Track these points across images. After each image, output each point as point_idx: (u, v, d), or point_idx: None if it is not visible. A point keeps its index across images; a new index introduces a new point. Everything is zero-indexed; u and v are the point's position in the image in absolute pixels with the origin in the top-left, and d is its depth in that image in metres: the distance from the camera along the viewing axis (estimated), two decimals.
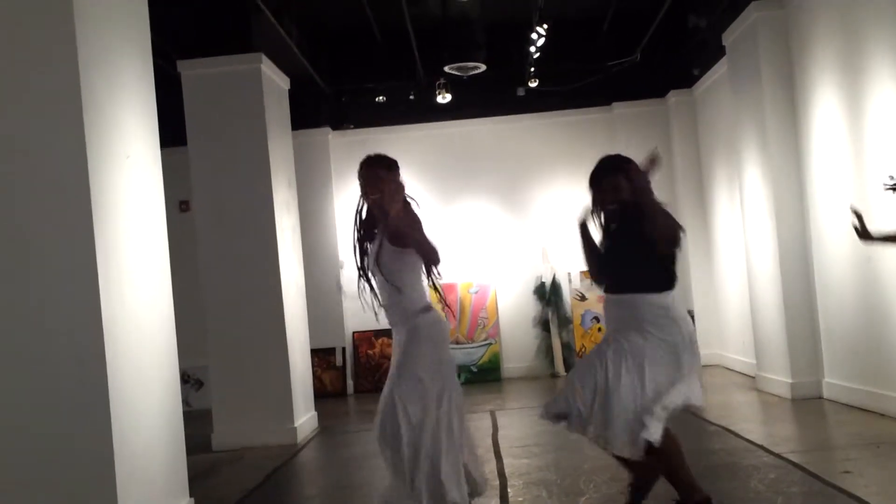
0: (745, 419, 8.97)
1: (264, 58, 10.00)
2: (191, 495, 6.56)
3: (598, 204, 5.22)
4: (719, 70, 12.01)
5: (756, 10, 9.92)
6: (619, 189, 5.10)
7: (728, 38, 10.86)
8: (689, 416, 9.02)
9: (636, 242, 5.06)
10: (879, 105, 7.86)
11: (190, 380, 12.48)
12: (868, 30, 7.97)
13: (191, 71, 9.88)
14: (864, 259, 8.07)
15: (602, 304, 5.23)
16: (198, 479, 7.32)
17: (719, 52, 11.43)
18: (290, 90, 11.08)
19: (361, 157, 14.19)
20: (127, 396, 5.47)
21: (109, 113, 5.68)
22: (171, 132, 7.81)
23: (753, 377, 11.07)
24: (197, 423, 9.31)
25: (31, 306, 5.18)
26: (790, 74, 9.79)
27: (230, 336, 9.66)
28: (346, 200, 14.12)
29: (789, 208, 9.71)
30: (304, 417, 10.16)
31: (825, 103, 9.02)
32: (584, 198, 5.44)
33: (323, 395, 12.87)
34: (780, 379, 9.94)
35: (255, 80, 9.91)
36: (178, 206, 11.75)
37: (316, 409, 10.84)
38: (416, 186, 14.24)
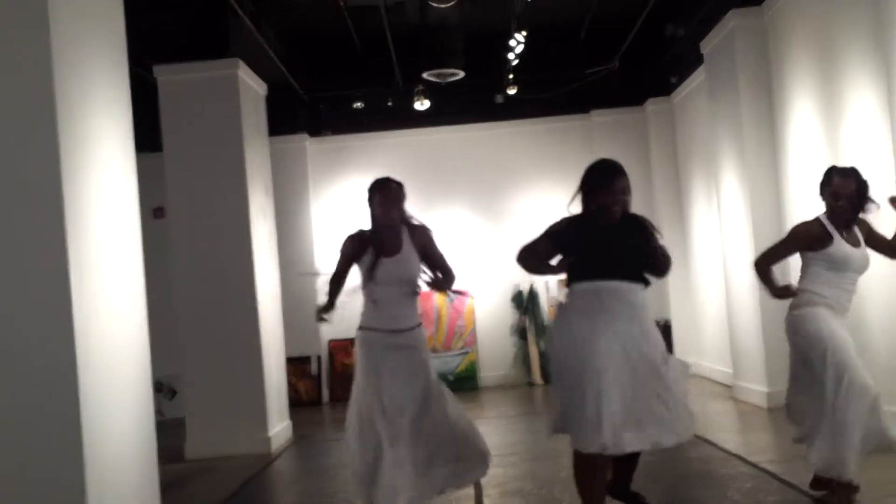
0: (722, 428, 8.96)
1: (241, 64, 9.93)
2: None
3: (607, 204, 5.14)
4: (697, 78, 12.04)
5: (734, 19, 9.94)
6: (626, 191, 5.19)
7: (706, 47, 10.88)
8: None
9: (640, 243, 5.18)
10: (856, 114, 7.87)
11: (163, 388, 12.38)
12: (845, 39, 7.99)
13: (167, 76, 9.80)
14: None
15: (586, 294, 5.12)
16: (170, 488, 7.23)
17: (697, 60, 11.46)
18: (267, 96, 11.01)
19: (339, 163, 14.14)
20: (98, 405, 5.39)
21: (84, 118, 5.61)
22: (147, 138, 7.75)
23: (730, 386, 11.08)
24: (170, 433, 9.21)
25: (2, 313, 5.10)
26: (767, 83, 9.82)
27: (204, 344, 9.57)
28: (323, 207, 14.08)
29: (766, 216, 9.72)
30: (279, 427, 10.08)
31: (802, 112, 9.04)
32: (570, 197, 5.36)
33: (298, 403, 12.79)
34: (756, 388, 9.94)
35: (232, 86, 9.85)
36: (153, 212, 11.65)
37: (291, 418, 10.77)
38: None
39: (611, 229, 5.15)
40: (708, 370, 12.81)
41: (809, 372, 5.58)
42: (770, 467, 6.75)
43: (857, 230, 5.72)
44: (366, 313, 5.73)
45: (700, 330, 13.22)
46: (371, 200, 5.72)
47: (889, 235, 5.87)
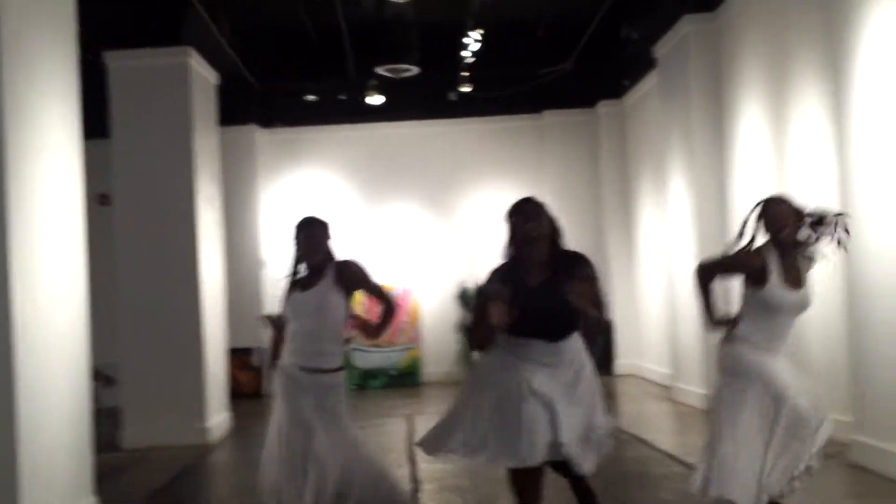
0: (659, 429, 9.07)
1: (193, 52, 9.86)
2: (96, 494, 6.43)
3: (521, 245, 4.83)
4: (649, 82, 12.14)
5: (687, 25, 10.05)
6: (540, 226, 4.79)
7: (659, 51, 10.99)
8: None
9: (565, 307, 4.73)
10: (803, 122, 7.99)
11: (101, 376, 12.21)
12: (795, 49, 8.11)
13: (117, 62, 9.71)
14: None
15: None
16: (104, 478, 7.15)
17: (650, 64, 11.57)
18: (218, 86, 10.94)
19: (290, 155, 14.05)
20: (34, 391, 5.34)
21: (29, 101, 5.55)
22: (95, 124, 7.67)
23: (669, 387, 11.20)
24: (107, 422, 9.13)
25: None
26: (718, 88, 9.93)
27: (144, 333, 9.49)
28: (272, 199, 14.03)
29: (711, 221, 9.83)
30: (218, 418, 10.02)
31: (750, 119, 9.16)
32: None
33: (238, 395, 12.70)
34: (694, 390, 10.06)
35: (183, 75, 9.78)
36: (98, 199, 11.51)
37: (230, 409, 10.71)
38: (344, 187, 14.23)
39: (533, 280, 4.77)
40: (648, 371, 12.95)
41: (742, 403, 5.12)
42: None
43: (802, 264, 5.14)
44: (286, 347, 5.46)
45: (642, 331, 13.36)
46: (297, 240, 5.40)
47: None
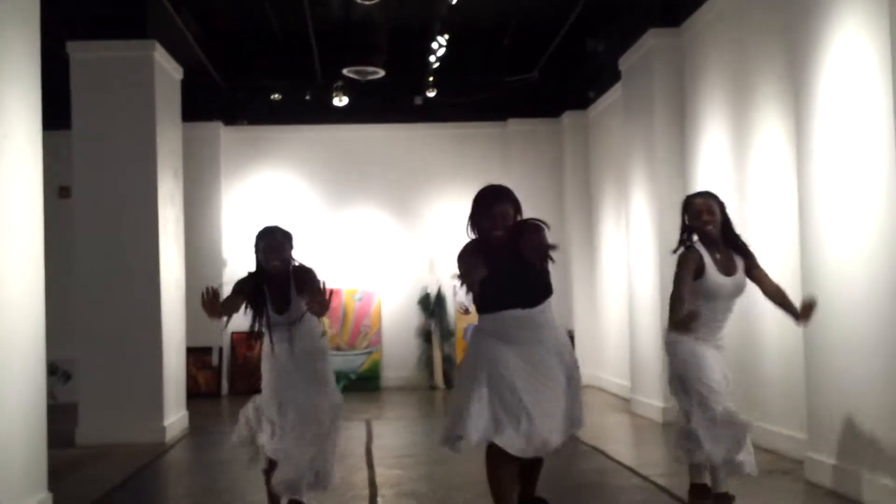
0: (617, 440, 9.10)
1: (158, 46, 9.77)
2: (50, 490, 6.34)
3: (486, 229, 5.14)
4: (614, 94, 12.20)
5: (652, 39, 10.10)
6: (507, 217, 5.11)
7: (624, 64, 11.04)
8: None
9: (530, 268, 5.12)
10: (764, 141, 8.06)
11: (58, 372, 12.09)
12: (758, 68, 8.18)
13: (80, 53, 9.60)
14: None
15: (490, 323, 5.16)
16: (58, 474, 7.07)
17: (615, 76, 11.61)
18: (183, 81, 10.84)
19: (253, 153, 13.97)
20: None
21: None
22: (56, 115, 7.56)
23: (628, 400, 11.25)
24: (62, 417, 9.02)
25: None
26: (682, 104, 9.99)
27: (102, 328, 9.38)
28: (234, 197, 13.94)
29: (672, 235, 9.82)
30: (175, 417, 9.93)
31: (713, 136, 9.22)
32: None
33: (196, 394, 12.61)
34: (652, 403, 10.11)
35: (147, 68, 9.70)
36: (58, 191, 11.39)
37: (188, 408, 10.62)
38: (306, 188, 14.16)
39: (501, 259, 5.10)
40: (607, 383, 12.99)
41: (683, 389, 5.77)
42: (660, 481, 6.86)
43: (735, 256, 5.79)
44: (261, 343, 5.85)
45: (602, 342, 13.40)
46: (257, 248, 5.68)
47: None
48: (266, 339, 5.74)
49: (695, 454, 5.67)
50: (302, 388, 5.72)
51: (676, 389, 5.84)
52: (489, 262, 5.08)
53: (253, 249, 5.72)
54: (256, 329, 5.70)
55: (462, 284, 5.10)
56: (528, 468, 5.38)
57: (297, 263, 5.75)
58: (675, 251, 5.87)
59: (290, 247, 5.73)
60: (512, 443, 4.94)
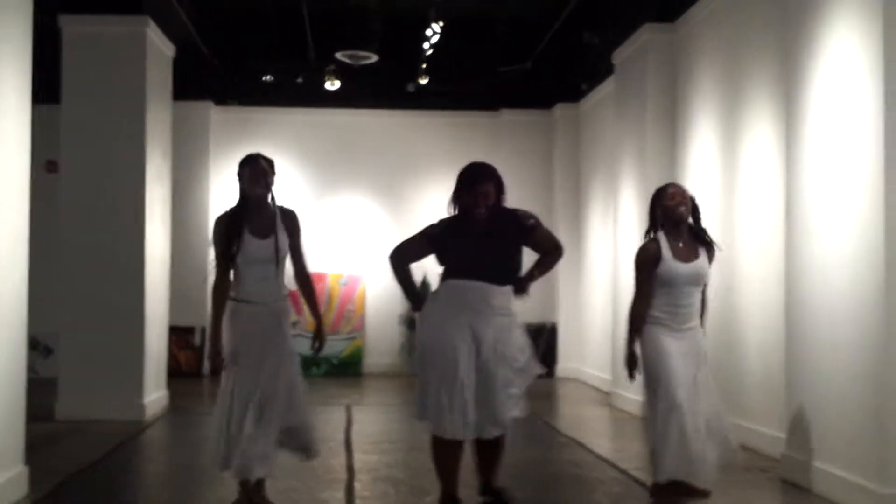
0: (596, 433, 9.13)
1: (151, 22, 9.72)
2: (26, 464, 6.33)
3: (469, 205, 5.42)
4: (606, 88, 12.19)
5: (647, 33, 10.09)
6: (489, 195, 5.39)
7: (618, 58, 11.03)
8: (541, 425, 9.15)
9: (510, 243, 5.44)
10: (755, 140, 8.08)
11: (39, 346, 12.06)
12: (751, 67, 8.19)
13: (73, 27, 9.55)
14: (724, 288, 8.29)
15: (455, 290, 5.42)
16: (36, 448, 7.05)
17: (608, 70, 11.61)
18: (175, 59, 10.79)
19: (243, 134, 13.98)
20: None
21: None
22: (45, 88, 7.52)
23: (608, 393, 11.27)
24: (42, 392, 8.98)
25: None
26: (674, 100, 9.99)
27: (85, 304, 9.34)
28: (223, 177, 13.86)
29: None
30: (155, 395, 9.91)
31: (704, 132, 9.23)
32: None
33: (177, 374, 12.57)
34: (632, 397, 10.11)
35: (139, 44, 9.65)
36: (46, 165, 11.33)
37: (168, 387, 10.60)
38: (295, 171, 14.11)
39: (477, 233, 5.37)
40: (589, 376, 13.02)
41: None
42: (638, 474, 6.88)
43: (699, 247, 5.89)
44: (234, 287, 5.68)
45: (584, 336, 13.42)
46: (241, 176, 5.69)
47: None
48: (236, 276, 5.61)
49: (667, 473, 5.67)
50: (268, 341, 5.61)
51: (645, 382, 5.90)
52: (466, 233, 5.36)
53: (237, 178, 5.74)
54: (227, 262, 5.58)
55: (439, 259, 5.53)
56: (486, 456, 5.49)
57: (284, 206, 5.78)
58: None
59: (273, 174, 5.74)
60: (452, 429, 5.24)
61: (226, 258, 5.63)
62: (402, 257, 5.79)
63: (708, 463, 5.65)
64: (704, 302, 5.98)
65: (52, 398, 9.33)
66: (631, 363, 5.89)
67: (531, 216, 5.53)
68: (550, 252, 5.67)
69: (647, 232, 5.99)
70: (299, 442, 5.70)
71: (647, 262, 5.82)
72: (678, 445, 5.56)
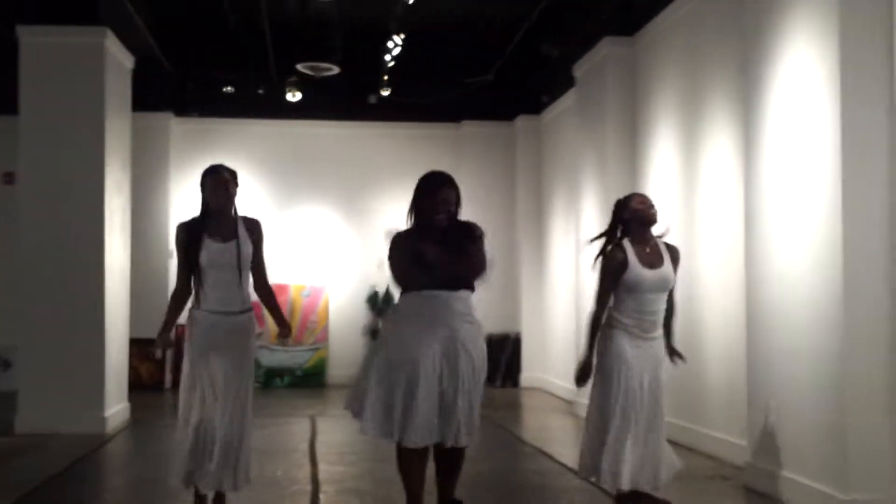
0: (560, 442, 9.15)
1: (109, 33, 9.66)
2: None
3: (428, 213, 5.44)
4: (567, 100, 12.26)
5: (606, 46, 10.17)
6: (449, 202, 5.44)
7: (578, 70, 11.10)
8: (505, 434, 9.17)
9: (464, 249, 5.43)
10: (713, 154, 8.16)
11: None
12: (710, 80, 8.27)
13: (30, 38, 9.47)
14: (685, 298, 8.33)
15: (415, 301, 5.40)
16: None
17: (569, 82, 11.67)
18: (134, 70, 10.72)
19: (204, 145, 13.94)
20: None
21: None
22: (3, 99, 7.45)
23: (572, 402, 11.31)
24: (1, 405, 8.87)
25: None
26: (634, 112, 10.07)
27: (44, 316, 9.24)
28: (183, 189, 13.76)
29: None
30: (116, 408, 9.81)
31: (664, 143, 9.31)
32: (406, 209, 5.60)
33: (139, 386, 12.44)
34: None
35: (98, 55, 9.58)
36: (3, 176, 11.22)
37: (130, 400, 10.50)
38: (256, 183, 14.05)
39: (435, 240, 5.37)
40: (553, 385, 13.05)
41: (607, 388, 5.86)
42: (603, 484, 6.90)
43: (663, 249, 5.94)
44: (197, 295, 5.73)
45: (548, 345, 13.46)
46: (203, 186, 5.74)
47: None
48: (197, 284, 5.65)
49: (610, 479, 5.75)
50: (230, 355, 5.61)
51: (596, 381, 5.91)
52: (421, 243, 5.33)
53: (199, 188, 5.76)
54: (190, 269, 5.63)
55: (391, 273, 5.47)
56: (446, 466, 5.50)
57: (247, 215, 5.83)
58: (601, 252, 5.98)
59: (236, 185, 5.78)
60: (415, 438, 5.25)
61: (186, 264, 5.66)
62: (406, 280, 5.55)
63: (644, 471, 5.73)
64: (672, 307, 6.03)
65: (12, 412, 9.22)
66: (584, 372, 5.91)
67: (480, 229, 5.53)
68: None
69: (607, 241, 6.00)
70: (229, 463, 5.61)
71: (613, 269, 5.84)
72: (615, 452, 5.65)
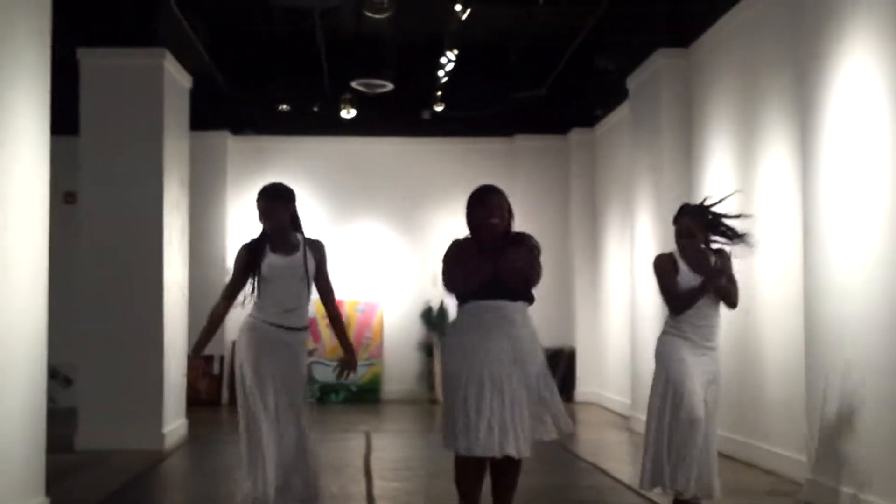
0: (616, 458, 9.08)
1: (168, 54, 9.81)
2: (47, 495, 6.33)
3: (480, 221, 5.45)
4: (621, 112, 12.21)
5: (661, 58, 10.11)
6: (502, 207, 5.47)
7: (632, 82, 11.05)
8: (559, 450, 9.13)
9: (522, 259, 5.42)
10: (770, 165, 8.07)
11: (59, 376, 12.09)
12: (766, 91, 8.19)
13: (91, 59, 9.63)
14: (742, 311, 8.24)
15: (475, 312, 5.39)
16: (57, 478, 7.07)
17: (622, 95, 11.63)
18: (191, 89, 10.87)
19: (259, 163, 14.04)
20: None
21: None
22: (64, 120, 7.58)
23: (627, 417, 11.22)
24: (62, 422, 9.00)
25: None
26: (689, 124, 9.99)
27: (104, 334, 9.37)
28: (240, 206, 13.90)
29: None
30: (174, 424, 9.92)
31: (719, 157, 9.23)
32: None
33: (197, 402, 12.58)
34: None
35: (157, 76, 9.73)
36: (64, 197, 11.40)
37: (187, 416, 10.60)
38: (312, 199, 14.14)
39: (490, 250, 5.37)
40: (608, 400, 12.97)
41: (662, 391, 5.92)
42: (659, 500, 6.84)
43: (714, 262, 5.98)
44: (257, 306, 5.80)
45: (603, 360, 13.38)
46: (259, 205, 5.82)
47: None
48: (259, 298, 5.73)
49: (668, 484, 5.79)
50: (287, 372, 5.67)
51: (653, 392, 5.97)
52: (477, 253, 5.36)
53: (256, 208, 5.89)
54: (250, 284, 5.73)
55: (445, 282, 5.48)
56: (502, 480, 5.48)
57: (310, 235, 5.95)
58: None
59: (290, 201, 5.84)
60: (474, 447, 5.17)
61: (242, 279, 5.78)
62: (460, 288, 5.57)
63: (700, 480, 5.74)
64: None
65: (72, 428, 9.35)
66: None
67: (537, 244, 5.54)
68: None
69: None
70: (304, 488, 5.67)
71: (662, 265, 6.00)
72: (691, 458, 5.66)
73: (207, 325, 5.95)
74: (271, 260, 5.70)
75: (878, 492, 5.82)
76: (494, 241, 5.43)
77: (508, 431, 5.21)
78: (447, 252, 5.51)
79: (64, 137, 8.07)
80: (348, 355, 5.95)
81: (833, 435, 6.37)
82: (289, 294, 5.72)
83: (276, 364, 5.66)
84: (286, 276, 5.70)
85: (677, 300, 5.94)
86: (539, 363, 5.39)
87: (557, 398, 5.40)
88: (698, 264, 5.92)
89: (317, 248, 5.90)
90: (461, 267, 5.39)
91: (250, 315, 5.81)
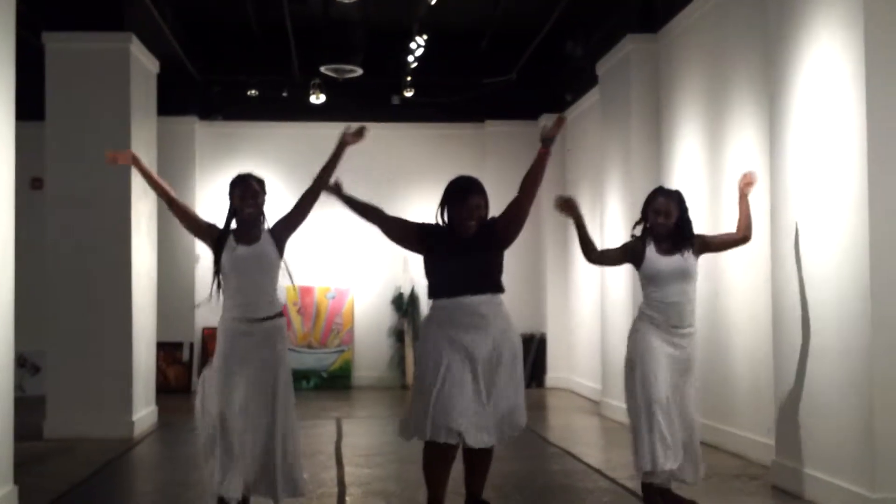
0: (586, 443, 9.13)
1: (135, 38, 9.72)
2: (15, 483, 6.30)
3: (459, 218, 5.50)
4: (591, 98, 12.23)
5: (630, 44, 10.14)
6: (480, 208, 5.54)
7: (601, 68, 11.07)
8: (530, 435, 9.16)
9: (492, 252, 5.55)
10: (738, 149, 8.11)
11: (26, 364, 12.00)
12: (734, 76, 8.23)
13: (56, 44, 9.54)
14: (711, 294, 8.31)
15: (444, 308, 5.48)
16: (24, 466, 7.03)
17: (592, 80, 11.65)
18: (158, 74, 10.78)
19: (229, 149, 13.95)
20: None
21: None
22: (29, 105, 7.51)
23: (598, 402, 11.28)
24: (29, 410, 8.93)
25: None
26: (658, 109, 10.03)
27: (72, 321, 9.30)
28: (209, 192, 13.81)
29: None
30: (144, 412, 9.87)
31: (688, 140, 9.27)
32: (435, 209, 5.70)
33: (166, 390, 12.52)
34: (622, 405, 10.10)
35: (123, 61, 9.64)
36: (30, 182, 11.30)
37: (157, 403, 10.55)
38: (282, 185, 14.06)
39: (463, 244, 5.46)
40: (578, 385, 13.02)
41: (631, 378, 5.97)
42: (628, 484, 6.89)
43: (685, 248, 6.00)
44: (224, 305, 5.74)
45: (573, 346, 13.43)
46: (231, 195, 5.80)
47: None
48: (224, 291, 5.68)
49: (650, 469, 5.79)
50: (257, 365, 5.58)
51: (626, 376, 6.01)
52: (451, 246, 5.46)
53: (228, 197, 5.84)
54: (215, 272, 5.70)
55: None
56: (474, 466, 5.50)
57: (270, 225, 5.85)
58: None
59: (264, 194, 5.85)
60: (443, 434, 5.24)
61: (198, 227, 5.92)
62: (381, 219, 6.08)
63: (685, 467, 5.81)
64: (743, 220, 6.22)
65: (40, 416, 9.28)
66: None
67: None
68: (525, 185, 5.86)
69: (633, 233, 6.18)
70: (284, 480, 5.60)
71: (626, 248, 6.11)
72: (658, 437, 5.72)
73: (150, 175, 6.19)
74: (237, 252, 5.65)
75: (844, 474, 5.88)
76: (467, 235, 5.49)
77: (477, 421, 5.28)
78: (430, 227, 5.63)
79: (30, 123, 8.01)
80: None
81: (800, 418, 6.43)
82: (253, 285, 5.65)
83: (244, 362, 5.56)
84: (250, 265, 5.65)
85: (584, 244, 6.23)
86: (510, 356, 5.44)
87: (522, 394, 5.49)
88: (669, 246, 5.93)
89: (275, 227, 5.84)
90: (440, 259, 5.50)
91: (221, 316, 5.72)
